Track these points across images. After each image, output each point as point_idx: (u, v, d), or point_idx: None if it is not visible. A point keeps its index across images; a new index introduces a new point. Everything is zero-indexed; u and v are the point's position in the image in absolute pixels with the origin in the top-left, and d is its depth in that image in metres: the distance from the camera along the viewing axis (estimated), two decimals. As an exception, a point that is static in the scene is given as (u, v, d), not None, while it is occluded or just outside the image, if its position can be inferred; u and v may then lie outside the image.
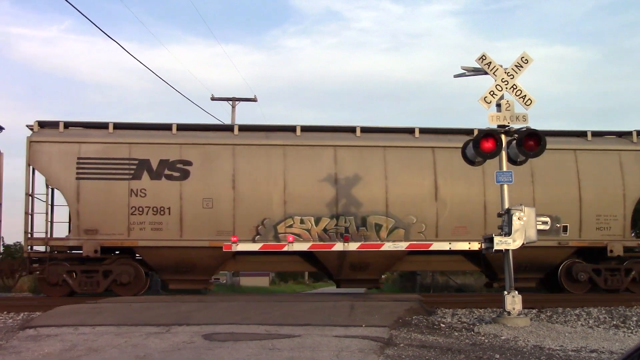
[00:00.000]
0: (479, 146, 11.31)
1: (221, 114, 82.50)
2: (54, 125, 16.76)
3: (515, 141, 11.31)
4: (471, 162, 12.18)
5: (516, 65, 11.62)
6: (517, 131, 11.35)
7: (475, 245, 11.86)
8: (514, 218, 10.91)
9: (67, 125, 16.76)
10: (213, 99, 33.06)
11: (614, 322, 11.52)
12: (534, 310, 12.77)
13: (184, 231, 16.30)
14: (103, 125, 16.84)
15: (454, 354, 7.62)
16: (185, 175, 16.49)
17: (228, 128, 17.59)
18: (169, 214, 16.22)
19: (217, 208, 16.41)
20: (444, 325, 10.49)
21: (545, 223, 11.40)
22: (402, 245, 13.80)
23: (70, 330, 9.04)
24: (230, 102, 33.34)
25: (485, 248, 11.51)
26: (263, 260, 17.23)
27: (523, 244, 10.98)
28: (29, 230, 16.26)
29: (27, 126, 16.90)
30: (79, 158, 16.23)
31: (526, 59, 11.66)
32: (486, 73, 11.70)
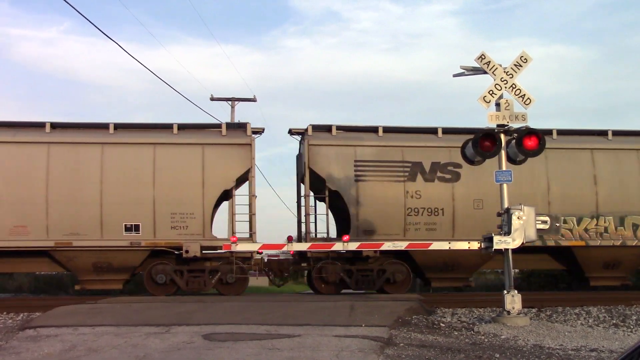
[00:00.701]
0: (478, 145, 11.30)
1: (221, 114, 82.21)
2: (325, 128, 17.42)
3: (514, 140, 11.31)
4: (471, 162, 12.18)
5: (515, 65, 11.62)
6: (517, 130, 11.35)
7: (474, 245, 11.86)
8: (514, 217, 10.90)
9: (338, 128, 17.42)
10: (212, 99, 33.01)
11: (614, 321, 11.53)
12: (534, 310, 12.77)
13: (455, 231, 16.87)
14: (372, 129, 17.48)
15: (453, 354, 7.62)
16: (456, 177, 17.11)
17: None
18: (442, 214, 16.90)
19: (487, 209, 16.76)
20: (443, 325, 10.49)
21: (544, 222, 11.39)
22: (402, 245, 13.79)
23: (70, 330, 9.03)
24: (230, 102, 33.31)
25: (484, 247, 11.50)
26: (517, 259, 17.83)
27: (522, 243, 10.97)
28: (310, 230, 16.98)
29: (290, 130, 17.56)
30: (355, 161, 16.90)
31: (525, 58, 11.66)
32: (485, 72, 11.70)
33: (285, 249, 15.40)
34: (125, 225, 16.07)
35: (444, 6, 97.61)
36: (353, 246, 14.20)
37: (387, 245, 13.93)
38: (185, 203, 16.24)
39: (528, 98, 11.54)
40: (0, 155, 16.18)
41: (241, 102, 33.57)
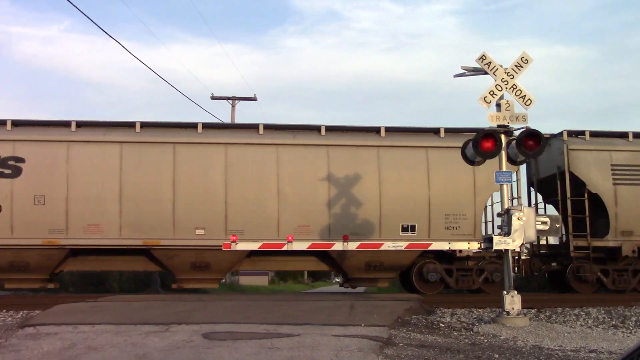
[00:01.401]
0: (478, 146, 11.30)
1: (221, 114, 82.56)
2: (576, 133, 18.16)
3: (515, 141, 11.31)
4: (471, 162, 12.18)
5: (516, 65, 11.62)
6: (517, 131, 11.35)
7: (474, 245, 11.86)
8: (514, 218, 10.89)
9: (591, 134, 18.16)
10: (213, 98, 33.08)
11: (613, 322, 11.54)
12: (533, 310, 12.77)
13: None
14: (622, 134, 18.22)
15: (453, 354, 7.63)
16: None
17: None
18: None
19: None
20: (443, 325, 10.50)
21: (544, 223, 11.39)
22: (402, 245, 13.81)
23: (70, 328, 9.03)
24: (230, 101, 33.36)
25: (484, 248, 11.50)
26: None
27: (522, 243, 10.98)
28: (572, 231, 17.54)
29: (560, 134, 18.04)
30: (612, 165, 17.68)
31: (526, 59, 11.66)
32: (486, 73, 11.69)
33: (285, 248, 15.44)
34: (402, 225, 16.47)
35: (444, 6, 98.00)
36: (353, 246, 14.22)
37: (387, 245, 13.97)
38: (457, 204, 16.73)
39: (529, 99, 11.54)
40: (282, 157, 16.65)
41: (242, 102, 33.66)
